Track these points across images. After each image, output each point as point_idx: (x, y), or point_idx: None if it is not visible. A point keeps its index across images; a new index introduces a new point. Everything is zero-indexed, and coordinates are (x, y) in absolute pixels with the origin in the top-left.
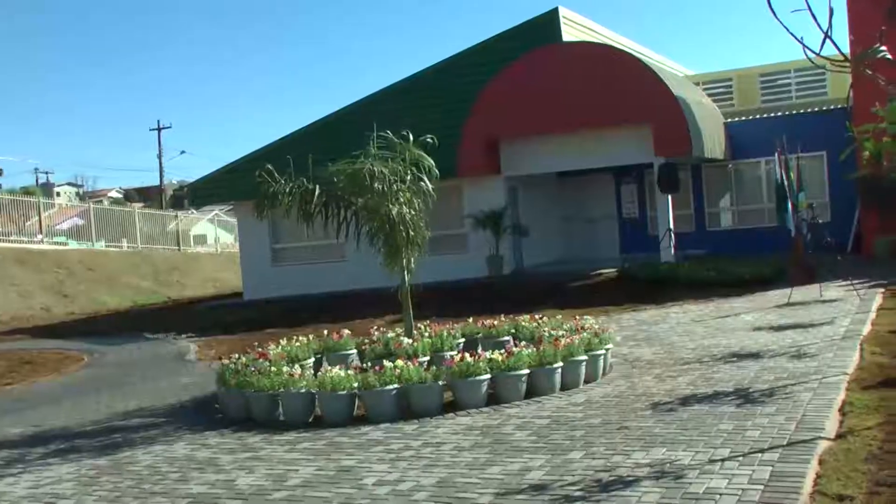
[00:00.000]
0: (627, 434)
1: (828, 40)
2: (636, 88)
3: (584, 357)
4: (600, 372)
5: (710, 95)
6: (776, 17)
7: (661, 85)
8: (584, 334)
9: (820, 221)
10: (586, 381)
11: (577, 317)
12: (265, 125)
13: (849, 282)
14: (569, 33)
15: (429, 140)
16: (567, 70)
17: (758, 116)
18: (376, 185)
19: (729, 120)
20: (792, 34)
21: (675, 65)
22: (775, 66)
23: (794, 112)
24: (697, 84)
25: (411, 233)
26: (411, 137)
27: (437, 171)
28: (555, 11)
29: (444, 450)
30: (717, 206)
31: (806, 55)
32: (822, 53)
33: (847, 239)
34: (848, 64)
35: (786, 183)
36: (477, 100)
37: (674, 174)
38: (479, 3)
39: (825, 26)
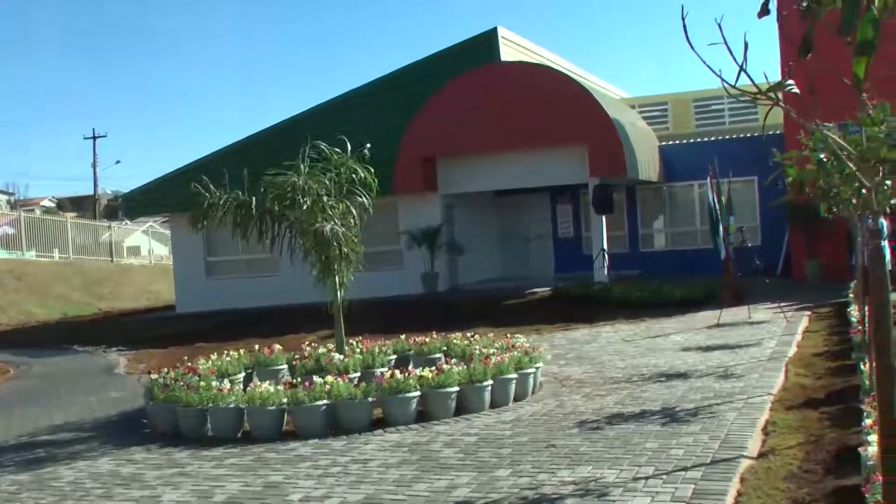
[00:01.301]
0: (554, 452)
1: (743, 73)
2: (572, 109)
3: (514, 375)
4: (530, 390)
5: (645, 118)
6: (693, 50)
7: (597, 106)
8: (515, 353)
9: (749, 245)
10: (516, 399)
11: (509, 335)
12: (203, 137)
13: (777, 304)
14: (507, 53)
15: (366, 152)
16: (504, 89)
17: (691, 140)
18: (305, 199)
19: (663, 143)
20: (708, 66)
21: (612, 87)
22: (709, 91)
23: (727, 137)
24: (633, 107)
25: (344, 249)
26: (349, 149)
27: (375, 182)
28: (493, 31)
29: (372, 466)
30: (650, 227)
31: (723, 86)
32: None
33: (777, 262)
34: (761, 96)
35: (717, 206)
36: (414, 117)
37: (608, 195)
38: (419, 21)
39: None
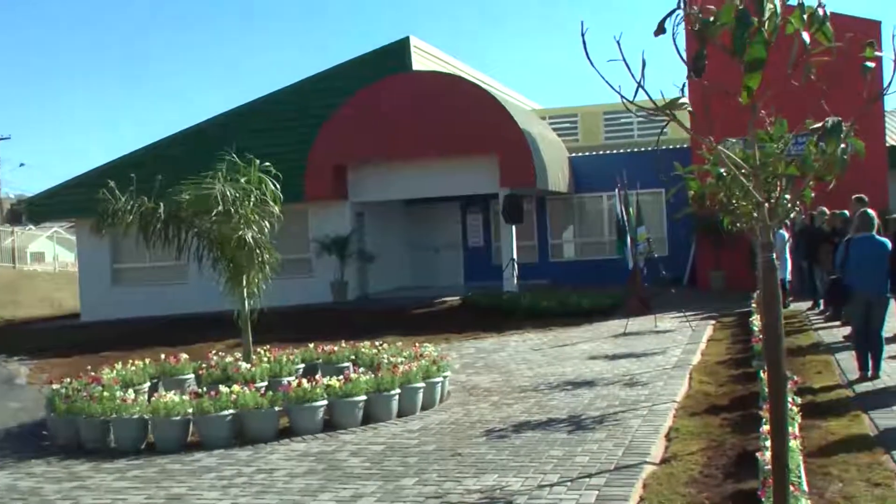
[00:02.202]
0: (460, 460)
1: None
2: (483, 120)
3: (422, 384)
4: (438, 399)
5: (555, 130)
6: (592, 66)
7: (507, 117)
8: (423, 361)
9: (656, 255)
10: (423, 408)
11: (418, 344)
12: (113, 141)
13: (682, 314)
14: (419, 62)
15: (267, 165)
16: (416, 99)
17: (601, 152)
18: (228, 207)
19: (573, 154)
20: (607, 82)
21: (523, 98)
22: (618, 105)
23: (636, 150)
24: (544, 118)
25: (264, 255)
26: (256, 161)
27: (279, 194)
28: (406, 40)
29: (278, 476)
30: (560, 237)
31: (623, 102)
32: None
33: (683, 272)
34: (659, 112)
35: (625, 217)
36: (325, 125)
37: (518, 205)
38: (332, 28)
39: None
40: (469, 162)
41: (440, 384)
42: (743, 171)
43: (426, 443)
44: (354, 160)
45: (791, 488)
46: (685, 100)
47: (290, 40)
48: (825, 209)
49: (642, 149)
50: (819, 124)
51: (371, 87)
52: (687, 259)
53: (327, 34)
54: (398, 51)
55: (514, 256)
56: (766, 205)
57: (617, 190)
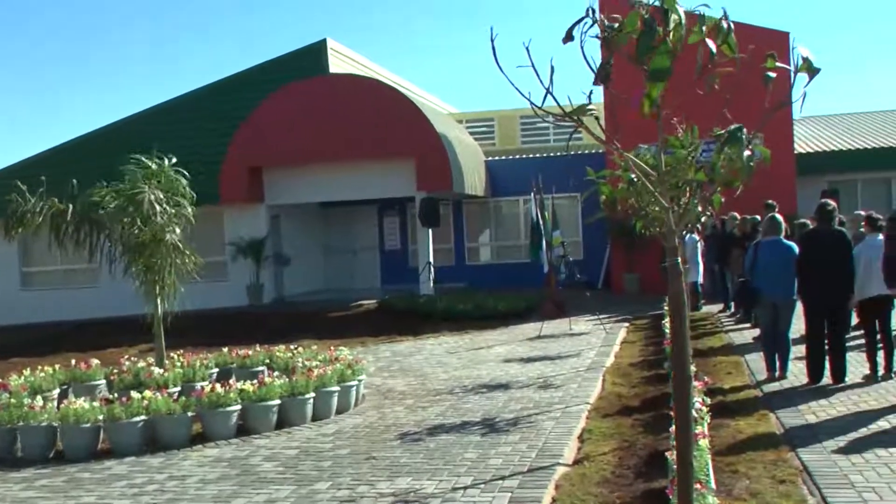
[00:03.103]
0: (375, 464)
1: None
2: (400, 123)
3: (337, 388)
4: (352, 402)
5: (472, 134)
6: (502, 71)
7: (424, 121)
8: (338, 365)
9: (571, 259)
10: (338, 412)
11: (333, 347)
12: (22, 140)
13: (597, 316)
14: (336, 65)
15: (180, 169)
16: (332, 101)
17: (517, 156)
18: (149, 210)
19: (490, 158)
20: (516, 88)
21: (440, 102)
22: (544, 109)
23: (552, 154)
24: (461, 122)
25: (184, 258)
26: (169, 161)
27: (193, 194)
28: (323, 42)
29: (189, 483)
30: (476, 241)
31: (532, 108)
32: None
33: (598, 275)
34: (566, 118)
35: (541, 221)
36: (240, 127)
37: (435, 208)
38: (250, 29)
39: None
40: (386, 165)
41: (355, 388)
42: (650, 177)
43: (340, 447)
44: (270, 162)
45: (698, 486)
46: (592, 106)
47: (206, 38)
48: (736, 214)
49: (558, 153)
50: (722, 131)
51: (287, 88)
52: (601, 262)
53: (245, 34)
54: (315, 53)
55: (431, 260)
56: (672, 210)
57: (533, 194)
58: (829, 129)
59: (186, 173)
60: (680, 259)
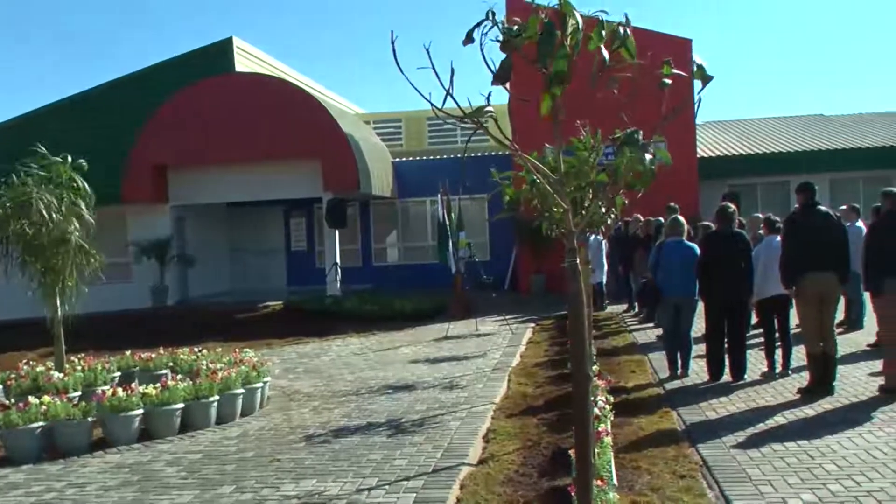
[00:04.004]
0: (279, 466)
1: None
2: (307, 124)
3: (242, 390)
4: (258, 405)
5: (379, 135)
6: (402, 73)
7: (331, 121)
8: (243, 367)
9: (477, 259)
10: (243, 415)
11: (238, 349)
12: None
13: (503, 317)
14: (242, 64)
15: (82, 163)
16: (239, 100)
17: (425, 157)
18: (47, 213)
19: (397, 159)
20: (416, 89)
21: (348, 103)
22: (450, 110)
23: (459, 155)
24: (368, 123)
25: (87, 259)
26: (64, 161)
27: (92, 194)
28: (229, 41)
29: (90, 490)
30: (383, 242)
31: (433, 109)
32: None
33: (505, 276)
34: (467, 119)
35: (447, 222)
36: (145, 124)
37: (342, 209)
38: (152, 24)
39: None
40: (293, 166)
41: (260, 390)
42: (549, 179)
43: (245, 450)
44: (175, 161)
45: (600, 483)
46: (491, 108)
47: (111, 34)
48: (639, 216)
49: (466, 154)
50: (619, 134)
51: (192, 87)
52: (508, 263)
53: (150, 30)
54: (221, 51)
55: (338, 261)
56: (575, 212)
57: (440, 195)
58: (731, 134)
59: (82, 172)
60: (579, 260)
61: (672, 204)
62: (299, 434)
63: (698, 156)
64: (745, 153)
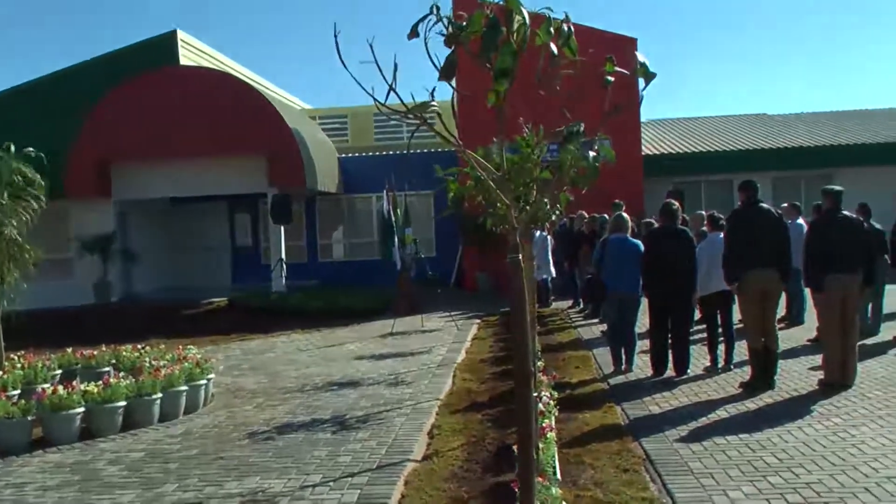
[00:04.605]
0: (223, 464)
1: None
2: (252, 118)
3: (185, 387)
4: (201, 402)
5: (325, 130)
6: (345, 67)
7: (276, 116)
8: (186, 364)
9: (423, 256)
10: (186, 412)
11: (182, 346)
12: None
13: (448, 313)
14: (187, 57)
15: (30, 152)
16: (183, 94)
17: (371, 154)
18: None
19: (343, 155)
20: (360, 84)
21: (294, 98)
22: (393, 105)
23: (405, 151)
24: (314, 118)
25: (23, 254)
26: (13, 149)
27: (42, 182)
28: (173, 33)
29: (28, 490)
30: (329, 238)
31: (376, 104)
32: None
33: (450, 273)
34: (410, 114)
35: (393, 218)
36: (87, 118)
37: (287, 205)
38: (97, 15)
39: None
40: (237, 160)
41: (204, 387)
42: (493, 175)
43: (188, 447)
44: (118, 156)
45: (543, 478)
46: (435, 104)
47: (48, 24)
48: (584, 213)
49: (412, 150)
50: (559, 130)
51: (136, 80)
52: (454, 260)
53: (92, 21)
54: (165, 44)
55: (283, 257)
56: (519, 208)
57: (385, 191)
58: (676, 132)
59: (34, 162)
60: (521, 256)
61: (617, 201)
62: (243, 431)
63: (643, 153)
64: (689, 151)
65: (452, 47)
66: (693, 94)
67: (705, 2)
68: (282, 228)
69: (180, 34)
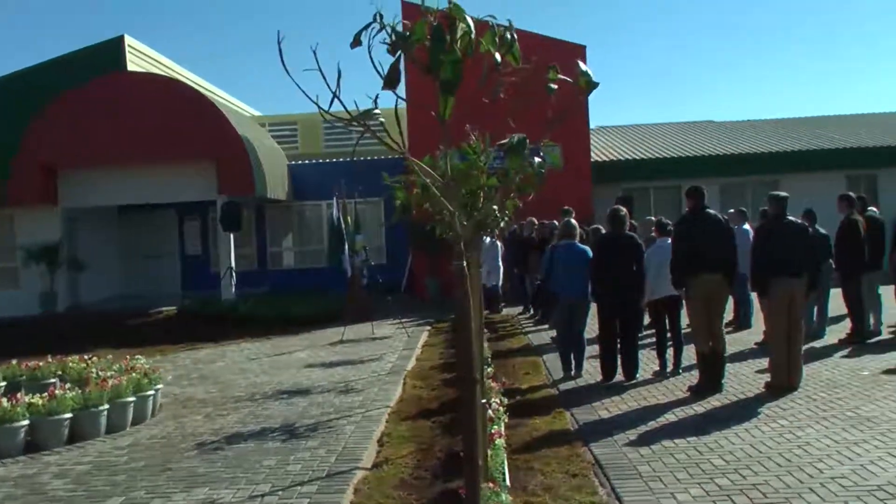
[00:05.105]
0: (171, 475)
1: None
2: (201, 125)
3: (133, 398)
4: (149, 413)
5: (275, 137)
6: (289, 74)
7: (225, 123)
8: (134, 374)
9: (373, 263)
10: (134, 423)
11: (129, 356)
12: None
13: (399, 320)
14: (134, 62)
15: None
16: (131, 101)
17: (320, 161)
18: None
19: (293, 162)
20: (304, 91)
21: (243, 105)
22: (338, 113)
23: (355, 158)
24: (263, 125)
25: None
26: None
27: None
28: (120, 39)
29: None
30: (279, 245)
31: (320, 112)
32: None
33: (401, 280)
34: (354, 121)
35: (343, 226)
36: (32, 124)
37: (236, 213)
38: (44, 20)
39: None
40: (186, 168)
41: (152, 398)
42: (437, 182)
43: (136, 459)
44: (65, 162)
45: (492, 484)
46: (378, 111)
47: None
48: (534, 219)
49: (362, 157)
50: (505, 140)
51: (82, 86)
52: (404, 267)
53: (38, 26)
54: (112, 49)
55: (233, 265)
56: (467, 215)
57: (335, 198)
58: (624, 139)
59: None
60: (470, 263)
61: (567, 207)
62: (192, 442)
63: (592, 160)
64: (638, 158)
65: (396, 56)
66: (641, 100)
67: (652, 11)
68: (231, 236)
69: (128, 39)
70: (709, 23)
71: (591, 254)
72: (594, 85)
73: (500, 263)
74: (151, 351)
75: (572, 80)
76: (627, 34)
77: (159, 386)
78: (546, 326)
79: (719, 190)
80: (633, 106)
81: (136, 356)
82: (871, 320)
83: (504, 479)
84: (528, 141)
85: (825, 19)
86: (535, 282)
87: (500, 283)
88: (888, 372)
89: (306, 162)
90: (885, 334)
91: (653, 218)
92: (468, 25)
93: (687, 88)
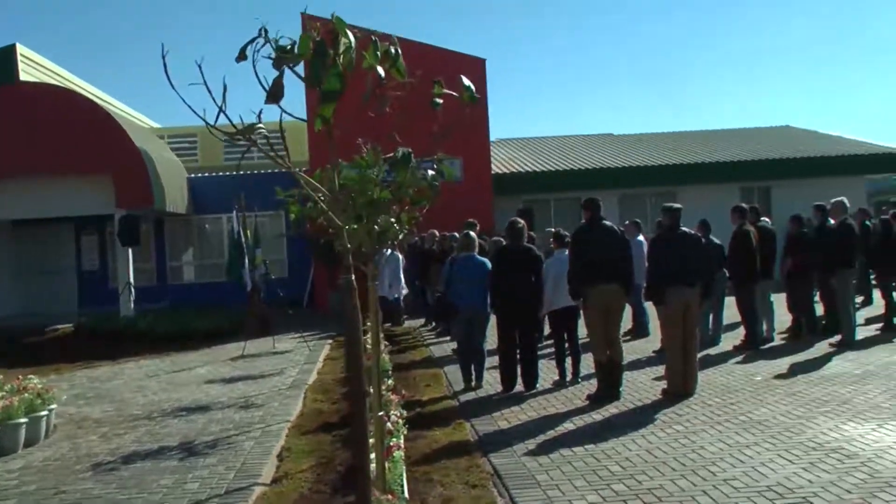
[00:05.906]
0: (63, 499)
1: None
2: (97, 137)
3: (24, 419)
4: (42, 434)
5: (174, 150)
6: (173, 88)
7: (122, 135)
8: (27, 395)
9: (273, 277)
10: (27, 445)
11: (22, 376)
12: None
13: (300, 334)
14: (27, 72)
15: None
16: (23, 112)
17: (221, 173)
18: None
19: (193, 175)
20: (190, 106)
21: (141, 117)
22: (222, 127)
23: (256, 171)
24: (162, 137)
25: None
26: None
27: None
28: (12, 48)
29: None
30: (179, 260)
31: (206, 126)
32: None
33: (303, 294)
34: (239, 135)
35: (243, 239)
36: None
37: (135, 227)
38: None
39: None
40: (83, 181)
41: (45, 418)
42: (325, 196)
43: (27, 483)
44: None
45: (391, 496)
46: (262, 126)
47: None
48: (435, 231)
49: (262, 171)
50: (391, 154)
51: None
52: (307, 280)
53: None
54: (3, 59)
55: (131, 280)
56: (365, 229)
57: (235, 212)
58: (525, 151)
59: None
60: (353, 277)
61: (471, 220)
62: (86, 463)
63: (493, 172)
64: (538, 170)
65: (280, 70)
66: (541, 113)
67: (554, 25)
68: (130, 251)
69: (20, 48)
70: (611, 38)
71: (489, 266)
72: (475, 99)
73: (402, 275)
74: (46, 370)
75: (458, 94)
76: (529, 47)
77: (53, 406)
78: (448, 338)
79: (618, 201)
80: (534, 119)
81: (30, 375)
82: (764, 327)
83: (403, 492)
84: (413, 155)
85: (727, 33)
86: (435, 294)
87: (402, 295)
88: (780, 377)
89: (206, 175)
90: (777, 341)
91: (552, 229)
92: (349, 40)
93: (587, 101)
